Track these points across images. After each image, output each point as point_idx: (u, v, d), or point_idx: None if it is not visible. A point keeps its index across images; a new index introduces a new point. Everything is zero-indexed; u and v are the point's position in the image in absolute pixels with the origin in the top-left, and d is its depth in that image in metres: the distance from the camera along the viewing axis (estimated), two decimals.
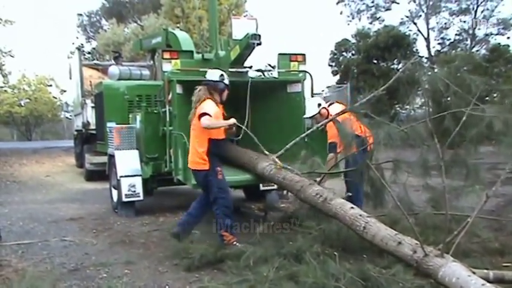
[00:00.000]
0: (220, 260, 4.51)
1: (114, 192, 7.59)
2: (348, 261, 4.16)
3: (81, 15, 37.16)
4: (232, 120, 5.35)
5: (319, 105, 6.24)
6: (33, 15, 64.71)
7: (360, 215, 4.18)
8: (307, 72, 6.94)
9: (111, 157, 7.71)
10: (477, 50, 24.90)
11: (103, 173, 8.72)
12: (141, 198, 7.07)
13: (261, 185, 7.18)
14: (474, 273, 3.17)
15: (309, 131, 6.12)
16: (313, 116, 6.25)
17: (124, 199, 7.03)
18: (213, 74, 5.43)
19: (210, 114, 5.09)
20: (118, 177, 7.12)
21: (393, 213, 4.95)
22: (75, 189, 10.75)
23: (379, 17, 28.04)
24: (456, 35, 26.83)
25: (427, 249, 3.47)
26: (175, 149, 6.08)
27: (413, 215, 4.96)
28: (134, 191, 7.00)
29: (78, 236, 6.08)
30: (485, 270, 3.49)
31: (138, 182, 7.01)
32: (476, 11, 25.71)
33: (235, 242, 5.08)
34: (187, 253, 4.66)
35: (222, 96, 5.43)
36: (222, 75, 5.39)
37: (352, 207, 4.35)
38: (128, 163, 7.17)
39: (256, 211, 7.46)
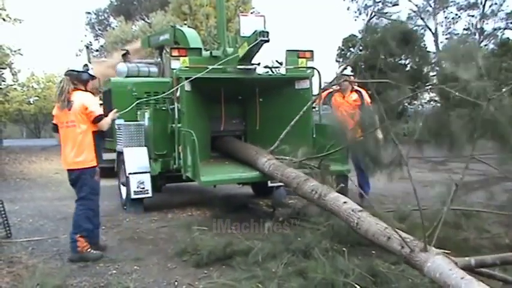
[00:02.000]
0: (229, 256, 4.51)
1: (123, 189, 7.62)
2: (357, 257, 4.15)
3: (89, 13, 37.37)
4: (115, 113, 5.38)
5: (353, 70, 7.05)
6: (42, 13, 65.14)
7: (352, 210, 4.07)
8: (315, 68, 6.94)
9: (120, 154, 7.73)
10: (485, 45, 24.75)
11: (111, 170, 8.74)
12: (150, 195, 7.10)
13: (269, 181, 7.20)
14: (456, 263, 3.08)
15: (297, 117, 6.06)
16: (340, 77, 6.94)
17: (133, 196, 7.04)
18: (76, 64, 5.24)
19: (102, 112, 5.02)
20: (127, 174, 7.15)
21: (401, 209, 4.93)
22: None
23: (387, 12, 27.94)
24: (464, 29, 26.72)
25: (412, 244, 3.37)
26: (183, 146, 6.10)
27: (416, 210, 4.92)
28: (143, 188, 7.01)
29: None
30: (467, 258, 3.32)
31: (147, 179, 7.03)
32: (484, 5, 25.56)
33: (89, 250, 4.87)
34: (196, 249, 4.67)
35: (87, 86, 5.15)
36: (85, 65, 5.15)
37: (345, 202, 4.24)
38: (137, 160, 7.19)
39: (264, 207, 7.46)
